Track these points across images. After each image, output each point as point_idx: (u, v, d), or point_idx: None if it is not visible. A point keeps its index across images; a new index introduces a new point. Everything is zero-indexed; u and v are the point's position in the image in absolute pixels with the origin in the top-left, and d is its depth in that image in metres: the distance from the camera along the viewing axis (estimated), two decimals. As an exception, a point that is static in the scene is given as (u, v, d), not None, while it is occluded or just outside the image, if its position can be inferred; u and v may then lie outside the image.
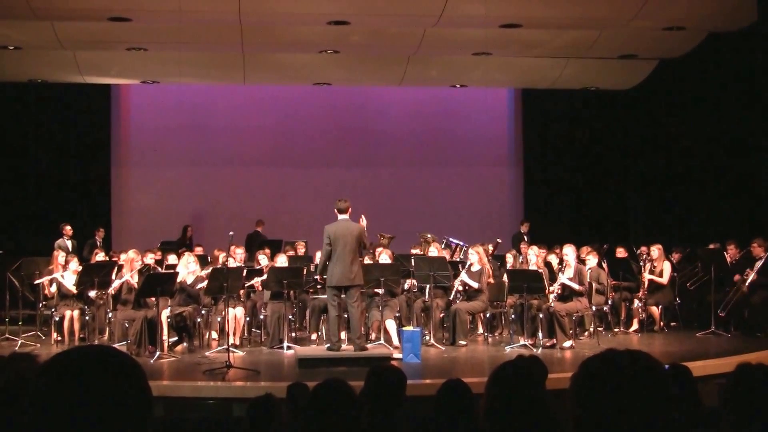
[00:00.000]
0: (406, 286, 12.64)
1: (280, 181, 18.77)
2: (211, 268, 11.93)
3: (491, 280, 12.55)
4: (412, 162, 19.15)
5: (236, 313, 11.87)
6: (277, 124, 18.91)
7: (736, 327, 12.88)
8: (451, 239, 14.76)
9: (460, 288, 12.33)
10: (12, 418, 2.43)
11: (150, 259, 12.45)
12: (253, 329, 12.78)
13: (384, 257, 12.21)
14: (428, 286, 12.17)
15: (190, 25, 13.85)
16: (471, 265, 12.26)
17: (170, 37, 14.47)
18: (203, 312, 11.96)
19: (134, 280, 11.59)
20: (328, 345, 10.76)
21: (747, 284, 12.74)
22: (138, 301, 11.36)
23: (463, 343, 11.89)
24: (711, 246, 13.92)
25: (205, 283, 11.39)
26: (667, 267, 13.36)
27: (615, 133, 18.86)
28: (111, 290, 11.78)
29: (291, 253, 13.99)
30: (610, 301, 12.73)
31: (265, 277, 12.11)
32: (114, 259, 12.93)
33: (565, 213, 18.56)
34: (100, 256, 13.18)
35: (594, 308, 12.15)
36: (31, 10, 12.57)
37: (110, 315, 11.94)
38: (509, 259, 13.60)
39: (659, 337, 12.89)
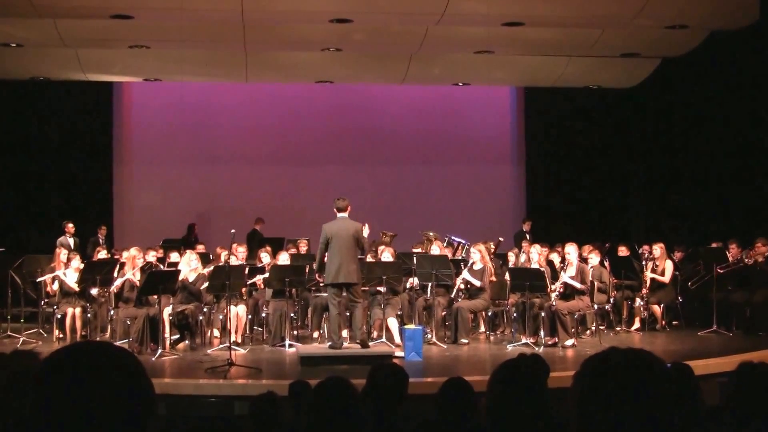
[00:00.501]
0: (408, 285, 12.63)
1: (281, 179, 18.77)
2: (212, 266, 11.94)
3: (493, 279, 12.55)
4: (415, 160, 19.14)
5: (238, 311, 11.88)
6: (278, 122, 18.90)
7: (738, 326, 12.87)
8: (453, 237, 14.76)
9: (462, 286, 12.33)
10: (15, 415, 2.43)
11: (152, 256, 12.45)
12: (255, 327, 12.78)
13: (386, 255, 12.21)
14: (430, 284, 12.17)
15: (193, 22, 13.85)
16: (473, 263, 12.26)
17: (172, 35, 14.46)
18: (205, 310, 11.96)
19: (136, 277, 11.59)
20: (330, 343, 10.76)
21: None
22: (140, 299, 11.36)
23: (465, 341, 11.89)
24: (713, 245, 13.91)
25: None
26: (669, 266, 13.35)
27: (617, 132, 18.85)
28: (113, 288, 11.79)
29: (293, 250, 13.98)
30: (612, 300, 12.73)
31: (267, 275, 12.11)
32: (116, 257, 12.94)
33: (568, 211, 18.54)
34: (102, 254, 13.18)
35: (596, 307, 12.14)
36: (34, 7, 12.58)
37: (112, 313, 11.95)
38: (511, 257, 13.59)
39: (661, 336, 12.88)
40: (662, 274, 13.29)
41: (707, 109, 16.39)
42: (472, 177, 19.28)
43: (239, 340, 11.78)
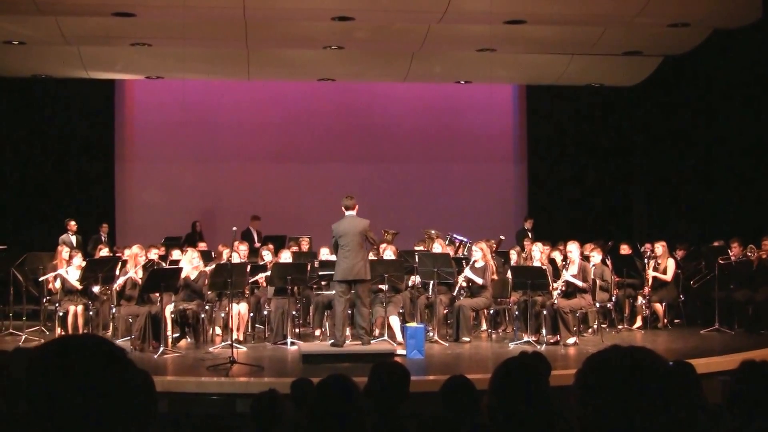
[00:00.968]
0: (410, 283, 12.63)
1: (283, 177, 18.76)
2: (214, 264, 11.95)
3: (495, 277, 12.55)
4: (417, 158, 19.13)
5: (240, 309, 11.88)
6: (280, 120, 18.89)
7: (740, 324, 12.86)
8: (455, 235, 14.75)
9: (464, 284, 12.34)
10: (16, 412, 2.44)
11: (154, 254, 12.46)
12: (256, 325, 12.79)
13: (388, 253, 12.20)
14: (432, 282, 12.17)
15: (194, 20, 13.85)
16: (475, 261, 12.26)
17: (174, 33, 14.45)
18: (207, 308, 11.97)
19: (138, 275, 11.60)
20: (333, 341, 10.77)
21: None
22: (142, 297, 11.37)
23: (467, 339, 11.89)
24: (715, 243, 13.91)
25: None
26: (671, 264, 13.35)
27: (619, 130, 18.83)
28: (116, 286, 11.79)
29: (295, 248, 13.99)
30: (613, 298, 12.72)
31: (269, 273, 12.12)
32: (118, 255, 12.94)
33: (570, 209, 18.53)
34: (104, 252, 13.19)
35: (598, 305, 12.14)
36: (36, 5, 12.58)
37: (114, 310, 11.96)
38: (513, 255, 13.58)
39: (663, 334, 12.88)
40: (664, 272, 13.28)
41: (709, 107, 16.38)
42: (474, 175, 19.27)
43: (241, 338, 11.78)
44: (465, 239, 14.48)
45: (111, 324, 12.16)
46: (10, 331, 12.33)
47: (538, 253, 12.51)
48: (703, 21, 13.99)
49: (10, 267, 12.60)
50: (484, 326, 13.13)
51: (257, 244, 15.55)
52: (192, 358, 10.68)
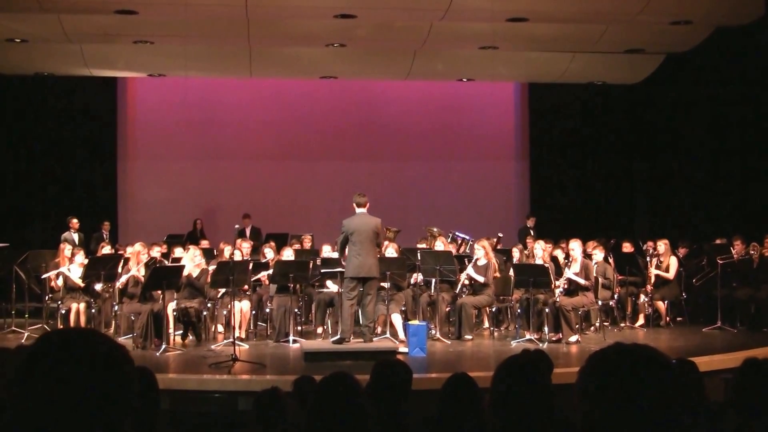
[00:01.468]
0: (412, 280, 12.64)
1: (285, 175, 18.76)
2: (216, 262, 11.95)
3: (497, 275, 12.54)
4: (419, 156, 19.13)
5: (242, 307, 11.88)
6: (282, 118, 18.89)
7: (743, 322, 12.86)
8: (457, 233, 14.75)
9: (466, 282, 12.33)
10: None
11: (156, 252, 12.47)
12: (258, 323, 12.80)
13: (390, 251, 12.21)
14: (434, 280, 12.17)
15: (196, 18, 13.84)
16: (477, 259, 12.26)
17: (176, 31, 14.46)
18: (209, 305, 11.97)
19: (140, 273, 11.61)
20: (337, 337, 10.77)
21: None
22: (144, 295, 11.37)
23: (469, 337, 11.89)
24: (717, 241, 13.90)
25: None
26: (673, 262, 13.34)
27: (621, 128, 18.82)
28: (118, 284, 11.80)
29: (297, 246, 13.99)
30: (616, 296, 12.72)
31: (271, 270, 12.12)
32: (120, 252, 12.95)
33: (572, 207, 18.52)
34: (106, 249, 13.20)
35: (600, 303, 12.13)
36: (38, 2, 12.58)
37: (116, 308, 11.97)
38: (515, 253, 13.58)
39: (665, 332, 12.87)
40: (666, 270, 13.27)
41: (712, 105, 16.35)
42: (476, 173, 19.26)
43: (243, 336, 11.79)
44: (467, 237, 14.48)
45: (113, 322, 12.17)
46: (13, 328, 12.34)
47: (541, 251, 12.52)
48: (705, 19, 13.97)
49: (13, 264, 12.59)
50: (486, 324, 13.13)
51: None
52: (194, 355, 10.69)
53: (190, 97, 18.57)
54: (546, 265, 11.90)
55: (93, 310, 12.07)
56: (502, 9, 13.07)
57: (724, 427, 4.11)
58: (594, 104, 18.66)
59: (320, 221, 16.48)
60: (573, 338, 11.36)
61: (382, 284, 11.63)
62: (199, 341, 11.64)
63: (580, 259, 11.79)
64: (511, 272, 12.43)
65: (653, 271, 13.31)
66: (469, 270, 12.19)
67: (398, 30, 14.63)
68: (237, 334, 11.10)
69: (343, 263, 11.29)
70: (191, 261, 11.92)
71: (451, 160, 19.25)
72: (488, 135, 19.42)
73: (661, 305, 13.35)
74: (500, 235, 14.93)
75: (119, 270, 11.88)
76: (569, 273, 11.69)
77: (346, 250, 10.89)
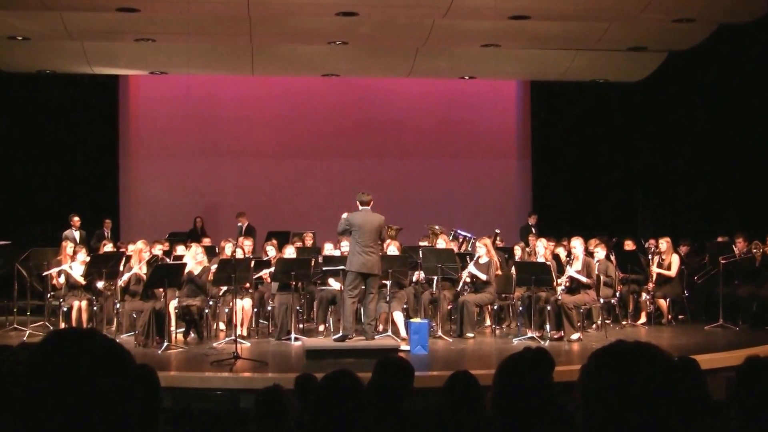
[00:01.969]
0: (413, 278, 12.63)
1: (287, 173, 18.76)
2: (219, 259, 11.96)
3: (499, 272, 12.54)
4: (420, 154, 19.13)
5: (244, 305, 11.89)
6: (284, 116, 18.89)
7: (744, 320, 12.85)
8: (459, 231, 14.75)
9: (468, 280, 12.33)
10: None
11: (158, 250, 12.47)
12: (260, 320, 12.80)
13: (392, 249, 12.20)
14: (436, 277, 12.17)
15: (198, 15, 13.84)
16: (479, 257, 12.26)
17: (178, 28, 14.46)
18: (211, 303, 11.97)
19: (142, 271, 11.62)
20: (339, 335, 10.77)
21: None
22: (146, 292, 11.37)
23: (471, 335, 11.89)
24: (719, 239, 13.88)
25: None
26: (675, 260, 13.33)
27: (624, 126, 18.78)
28: (120, 282, 11.81)
29: (299, 244, 13.99)
30: (618, 294, 12.71)
31: (273, 268, 12.12)
32: (122, 250, 12.95)
33: (573, 205, 18.50)
34: (108, 247, 13.21)
35: (602, 301, 12.13)
36: (40, 0, 12.58)
37: (118, 306, 11.98)
38: (517, 251, 13.58)
39: (667, 330, 12.87)
40: (668, 268, 13.26)
41: (714, 103, 16.33)
42: (478, 171, 19.26)
43: (245, 334, 11.79)
44: (469, 235, 14.48)
45: (115, 319, 12.18)
46: (15, 326, 12.34)
47: (542, 249, 12.53)
48: (708, 16, 13.96)
49: (15, 262, 12.61)
50: (488, 322, 13.13)
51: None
52: (196, 353, 10.69)
53: (192, 94, 18.58)
54: (548, 262, 11.90)
55: (95, 308, 12.08)
56: (504, 6, 13.07)
57: (725, 425, 4.10)
58: (596, 102, 18.63)
59: (322, 219, 16.45)
60: (575, 336, 11.35)
61: (384, 282, 11.64)
62: (201, 339, 11.64)
63: (581, 256, 11.78)
64: (513, 270, 12.43)
65: (655, 269, 13.30)
66: (471, 267, 12.19)
67: (400, 28, 14.62)
68: (239, 332, 11.11)
69: (342, 250, 11.30)
70: (193, 258, 11.92)
71: (452, 157, 19.24)
72: (490, 133, 19.41)
73: (663, 303, 13.35)
74: (497, 231, 14.90)
75: (121, 268, 11.88)
76: (571, 271, 11.68)
77: (349, 245, 10.90)
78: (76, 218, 15.54)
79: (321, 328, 12.37)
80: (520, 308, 12.21)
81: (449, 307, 12.48)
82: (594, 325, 12.59)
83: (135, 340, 10.97)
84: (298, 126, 18.84)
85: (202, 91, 18.56)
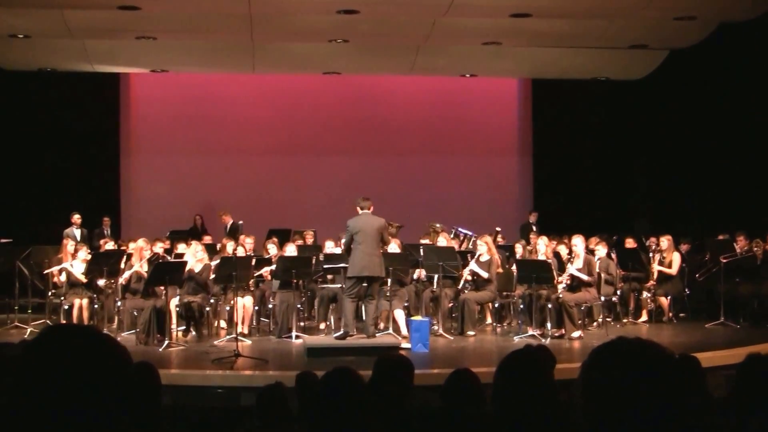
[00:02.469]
0: (414, 276, 12.63)
1: (288, 171, 18.75)
2: (219, 257, 11.96)
3: (500, 270, 12.54)
4: (421, 151, 19.12)
5: (245, 302, 11.89)
6: (285, 114, 18.88)
7: (745, 318, 12.85)
8: (460, 229, 14.75)
9: (469, 278, 12.33)
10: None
11: (159, 248, 12.48)
12: (261, 318, 12.80)
13: (393, 247, 12.19)
14: (437, 275, 12.17)
15: (199, 13, 13.84)
16: (480, 255, 12.25)
17: (179, 26, 14.46)
18: (212, 301, 11.97)
19: (143, 269, 11.62)
20: (339, 333, 10.77)
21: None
22: (147, 290, 11.37)
23: (472, 333, 11.89)
24: (720, 237, 13.87)
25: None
26: (676, 258, 13.33)
27: (625, 124, 18.78)
28: (121, 280, 11.81)
29: (300, 242, 13.99)
30: (618, 292, 12.71)
31: (273, 266, 12.12)
32: (123, 248, 12.96)
33: (574, 203, 18.49)
34: (109, 245, 13.20)
35: (603, 299, 12.12)
36: (41, -2, 12.59)
37: (119, 304, 11.98)
38: (518, 249, 13.57)
39: (668, 328, 12.87)
40: (669, 266, 13.26)
41: (715, 101, 16.32)
42: (479, 168, 19.25)
43: (246, 331, 11.79)
44: (470, 233, 14.48)
45: (116, 317, 12.18)
46: (16, 324, 12.35)
47: (543, 247, 12.52)
48: (709, 14, 13.95)
49: (16, 260, 12.62)
50: (488, 320, 13.14)
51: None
52: (196, 351, 10.70)
53: (192, 92, 18.58)
54: (549, 260, 11.90)
55: (96, 306, 12.09)
56: (505, 4, 13.06)
57: (726, 423, 4.10)
58: (597, 100, 18.62)
59: (323, 217, 16.46)
60: (575, 334, 11.35)
61: (385, 280, 11.62)
62: (201, 337, 11.65)
63: (582, 254, 11.77)
64: (514, 268, 12.43)
65: (656, 267, 13.30)
66: (473, 265, 12.18)
67: (401, 25, 14.61)
68: (239, 330, 11.11)
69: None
70: (193, 256, 11.92)
71: (453, 155, 19.23)
72: (491, 131, 19.41)
73: (664, 301, 13.35)
74: (498, 229, 14.91)
75: (122, 266, 11.89)
76: (572, 269, 11.68)
77: (351, 248, 10.88)
78: (77, 216, 15.55)
79: (322, 326, 12.37)
80: (521, 306, 12.20)
81: (450, 305, 12.47)
82: (595, 323, 12.59)
83: (136, 338, 10.97)
84: (299, 124, 18.84)
85: (203, 88, 18.56)
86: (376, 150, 19.06)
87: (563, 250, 12.68)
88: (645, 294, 13.35)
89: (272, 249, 12.94)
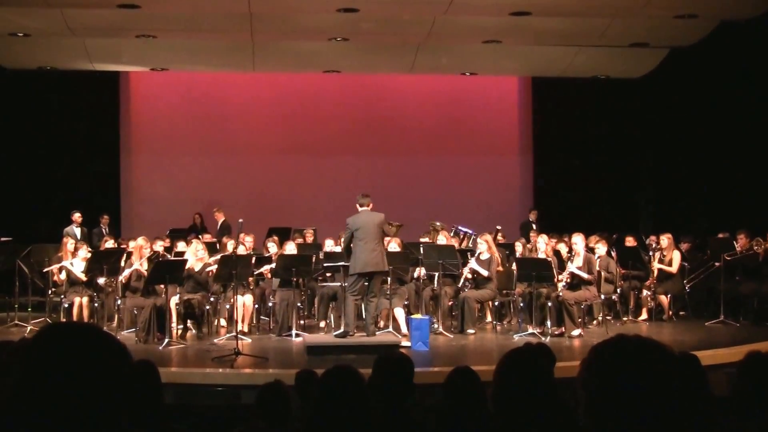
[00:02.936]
0: (414, 274, 12.63)
1: (288, 169, 18.74)
2: (219, 256, 11.95)
3: (500, 269, 12.54)
4: (422, 150, 19.11)
5: (245, 301, 11.89)
6: (285, 112, 18.88)
7: (746, 316, 12.85)
8: (460, 227, 14.74)
9: (469, 276, 12.33)
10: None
11: (159, 246, 12.47)
12: (261, 317, 12.80)
13: (393, 245, 12.20)
14: (437, 274, 12.17)
15: (199, 12, 13.84)
16: (480, 253, 12.26)
17: (179, 25, 14.45)
18: (212, 299, 11.97)
19: (143, 267, 11.62)
20: (340, 331, 10.77)
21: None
22: (147, 289, 11.38)
23: (472, 331, 11.90)
24: (720, 235, 13.87)
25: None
26: (676, 256, 13.33)
27: (625, 122, 18.77)
28: (122, 278, 11.81)
29: (300, 240, 14.00)
30: (619, 290, 12.70)
31: (274, 264, 12.12)
32: (123, 247, 12.95)
33: (575, 201, 18.48)
34: (109, 244, 13.20)
35: (603, 297, 12.12)
36: (41, -4, 12.59)
37: (119, 302, 11.97)
38: (518, 247, 13.57)
39: (668, 326, 12.86)
40: (669, 264, 13.26)
41: (716, 100, 16.31)
42: (480, 167, 19.24)
43: (246, 330, 11.80)
44: (470, 231, 14.48)
45: (116, 316, 12.18)
46: (16, 322, 12.35)
47: (544, 245, 12.51)
48: (709, 12, 13.94)
49: (16, 258, 12.62)
50: (488, 318, 13.14)
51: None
52: (197, 349, 10.71)
53: (192, 91, 18.58)
54: (549, 259, 11.90)
55: (96, 304, 12.08)
56: (505, 3, 13.06)
57: (727, 421, 4.10)
58: (597, 98, 18.61)
59: (323, 215, 16.46)
60: (575, 332, 11.35)
61: (385, 278, 11.62)
62: (201, 335, 11.65)
63: (582, 253, 11.77)
64: (514, 266, 12.43)
65: (656, 265, 13.30)
66: (473, 263, 12.19)
67: (401, 24, 14.61)
68: (240, 328, 11.11)
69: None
70: (193, 255, 11.92)
71: (454, 154, 19.22)
72: (492, 129, 19.40)
73: (664, 299, 13.34)
74: (498, 227, 14.91)
75: (122, 264, 11.89)
76: (572, 267, 11.68)
77: (352, 246, 10.87)
78: (77, 215, 15.54)
79: (322, 324, 12.37)
80: (521, 304, 12.21)
81: (450, 304, 12.48)
82: (595, 321, 12.59)
83: (136, 337, 10.97)
84: (299, 123, 18.83)
85: (203, 87, 18.56)
86: (376, 149, 19.05)
87: (563, 249, 12.69)
88: (645, 292, 13.35)
89: (272, 247, 12.94)
